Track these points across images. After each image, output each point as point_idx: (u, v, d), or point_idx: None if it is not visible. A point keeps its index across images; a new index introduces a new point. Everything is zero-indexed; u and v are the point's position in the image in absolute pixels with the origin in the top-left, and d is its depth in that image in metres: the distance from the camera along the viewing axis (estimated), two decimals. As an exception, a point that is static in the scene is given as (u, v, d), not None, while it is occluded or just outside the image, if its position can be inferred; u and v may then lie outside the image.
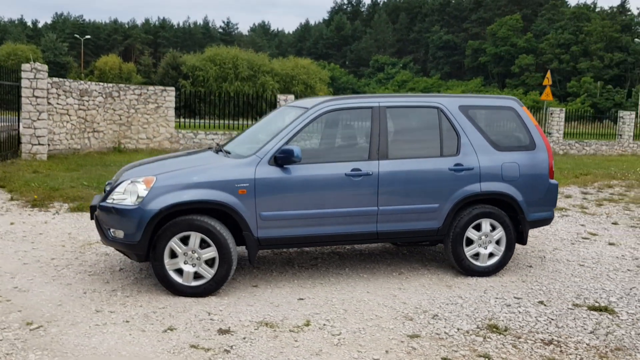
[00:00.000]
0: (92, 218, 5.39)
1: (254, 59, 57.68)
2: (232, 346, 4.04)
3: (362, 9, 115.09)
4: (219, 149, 5.88)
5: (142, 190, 4.97)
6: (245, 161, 5.15)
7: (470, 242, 5.73)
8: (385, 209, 5.41)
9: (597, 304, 5.04)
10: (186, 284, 5.02)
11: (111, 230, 5.06)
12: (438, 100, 5.81)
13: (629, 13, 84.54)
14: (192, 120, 19.60)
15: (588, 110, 42.80)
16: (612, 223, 8.76)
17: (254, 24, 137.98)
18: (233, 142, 6.25)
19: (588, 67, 73.52)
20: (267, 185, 5.11)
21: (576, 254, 6.85)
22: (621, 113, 25.00)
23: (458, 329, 4.42)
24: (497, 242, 5.80)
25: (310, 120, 5.33)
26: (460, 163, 5.62)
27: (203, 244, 5.00)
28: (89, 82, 15.67)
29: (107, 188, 5.45)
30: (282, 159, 5.08)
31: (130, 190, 5.01)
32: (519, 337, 4.30)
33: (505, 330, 4.41)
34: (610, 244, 7.40)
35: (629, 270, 6.20)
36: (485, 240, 5.76)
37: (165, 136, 17.28)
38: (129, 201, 4.98)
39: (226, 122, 19.94)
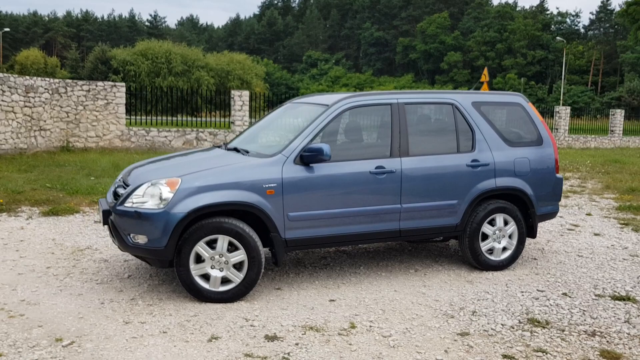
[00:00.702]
0: (104, 223, 5.04)
1: (188, 54, 56.36)
2: (288, 353, 3.88)
3: (294, 5, 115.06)
4: (231, 148, 5.67)
5: (166, 192, 4.69)
6: (271, 160, 4.97)
7: (485, 237, 5.79)
8: (408, 207, 5.38)
9: (617, 294, 5.22)
10: (213, 289, 4.80)
11: (131, 235, 4.75)
12: (452, 96, 5.84)
13: (548, 12, 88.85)
14: (143, 117, 18.86)
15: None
16: (587, 214, 9.14)
17: (181, 18, 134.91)
18: (239, 140, 6.04)
19: (512, 64, 76.73)
20: (295, 185, 4.95)
21: (570, 245, 7.08)
22: (557, 108, 26.11)
23: (502, 325, 4.45)
24: (510, 237, 5.89)
25: (333, 118, 5.21)
26: (476, 159, 5.67)
27: (230, 247, 4.79)
28: (35, 78, 14.75)
29: (118, 191, 5.12)
30: (310, 157, 4.93)
31: (152, 193, 4.73)
32: (563, 330, 4.38)
33: (547, 324, 4.48)
34: (596, 234, 7.70)
35: (624, 259, 6.46)
36: (499, 234, 5.84)
37: (116, 134, 16.56)
38: (152, 204, 4.69)
39: (178, 118, 19.36)
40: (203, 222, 4.71)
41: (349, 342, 4.08)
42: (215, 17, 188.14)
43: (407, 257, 6.32)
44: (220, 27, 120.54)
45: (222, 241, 4.76)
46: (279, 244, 4.94)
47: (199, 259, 4.78)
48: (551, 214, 6.20)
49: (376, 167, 5.25)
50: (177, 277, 4.79)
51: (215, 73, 57.66)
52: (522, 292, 5.23)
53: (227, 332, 4.22)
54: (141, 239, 4.71)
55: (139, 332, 4.17)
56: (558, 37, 71.33)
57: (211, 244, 4.77)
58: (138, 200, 4.77)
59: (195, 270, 4.76)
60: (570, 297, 5.14)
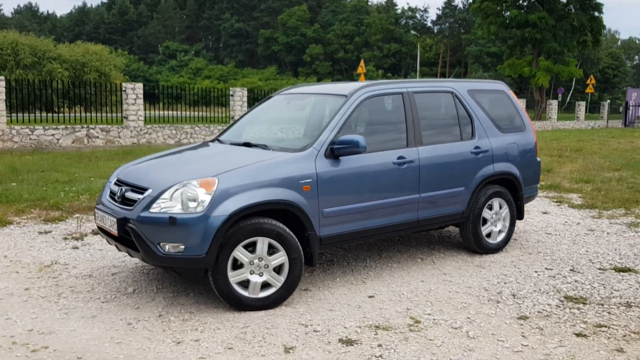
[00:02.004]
0: (120, 233, 4.42)
1: (37, 45, 51.13)
2: (380, 356, 3.69)
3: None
4: (239, 143, 5.27)
5: (202, 194, 4.22)
6: (303, 155, 4.67)
7: (484, 221, 5.96)
8: (425, 196, 5.37)
9: (617, 266, 5.63)
10: (253, 296, 4.43)
11: (161, 244, 4.22)
12: (450, 84, 5.91)
13: (397, 8, 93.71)
14: (25, 115, 16.92)
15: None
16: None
17: (18, 6, 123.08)
18: (237, 134, 5.66)
19: (370, 56, 79.86)
20: (328, 180, 4.72)
21: (531, 224, 7.52)
22: None
23: (549, 305, 4.60)
24: (503, 220, 6.12)
25: (354, 108, 5.03)
26: (478, 146, 5.80)
27: (269, 250, 4.45)
28: None
29: (129, 196, 4.52)
30: (343, 149, 4.72)
31: (186, 196, 4.23)
32: (602, 305, 4.64)
33: (585, 300, 4.72)
34: (544, 212, 8.27)
35: (586, 234, 6.99)
36: (495, 218, 6.05)
37: (-6, 133, 14.71)
38: (186, 208, 4.20)
39: (62, 115, 17.65)
40: (241, 224, 4.32)
41: (428, 337, 3.98)
42: (58, 5, 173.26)
43: (403, 247, 6.31)
44: (65, 15, 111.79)
45: (262, 244, 4.40)
46: (315, 243, 4.68)
47: (235, 265, 4.38)
48: (532, 196, 6.54)
49: (398, 158, 5.16)
50: (214, 286, 4.35)
51: (69, 65, 53.17)
52: (535, 272, 5.46)
53: (296, 340, 3.92)
54: (175, 248, 4.20)
55: (203, 352, 3.74)
56: (413, 31, 75.62)
57: (247, 248, 4.39)
58: (167, 204, 4.25)
59: (233, 277, 4.36)
60: (579, 272, 5.45)
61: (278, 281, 4.48)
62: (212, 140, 5.83)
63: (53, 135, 15.58)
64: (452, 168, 5.58)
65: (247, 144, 5.14)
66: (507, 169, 6.02)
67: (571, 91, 69.41)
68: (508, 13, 39.26)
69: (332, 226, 4.79)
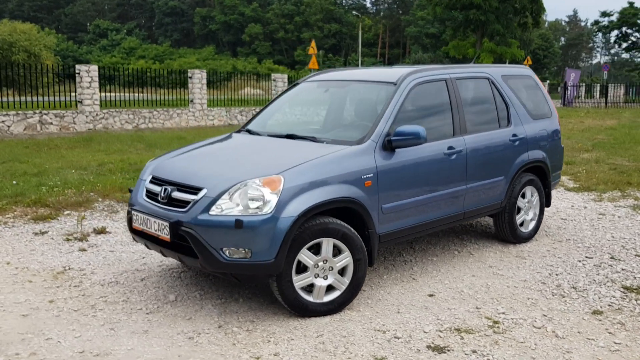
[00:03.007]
0: (173, 238, 3.97)
1: (-44, 22, 47.69)
2: (481, 363, 3.48)
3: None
4: (279, 134, 4.87)
5: (267, 194, 3.84)
6: (362, 148, 4.35)
7: (518, 210, 5.85)
8: (471, 187, 5.18)
9: (652, 252, 5.66)
10: (318, 301, 4.12)
11: (224, 250, 3.82)
12: (485, 70, 5.72)
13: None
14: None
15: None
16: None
17: None
18: (270, 125, 5.27)
19: (310, 36, 79.11)
20: (387, 173, 4.43)
21: (542, 210, 7.49)
22: None
23: (613, 297, 4.52)
24: (534, 208, 6.03)
25: (405, 96, 4.74)
26: (515, 134, 5.65)
27: (334, 251, 4.14)
28: None
29: (176, 195, 4.08)
30: (402, 141, 4.43)
31: (249, 196, 3.84)
32: (663, 293, 4.60)
33: (644, 289, 4.67)
34: (546, 197, 8.28)
35: (598, 218, 7.02)
36: (527, 206, 5.95)
37: (-63, 120, 13.47)
38: (251, 209, 3.82)
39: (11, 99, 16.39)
40: (306, 225, 3.97)
41: (517, 339, 3.79)
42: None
43: (432, 238, 6.11)
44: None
45: (327, 245, 4.08)
46: (375, 241, 4.40)
47: (299, 269, 4.04)
48: (556, 183, 6.48)
49: (448, 148, 4.93)
50: (278, 292, 4.00)
51: (-6, 45, 49.96)
52: (579, 261, 5.39)
53: (382, 349, 3.64)
54: (240, 253, 3.81)
55: (292, 368, 3.40)
56: (354, 12, 75.51)
57: (311, 250, 4.06)
58: (228, 206, 3.85)
59: (298, 281, 4.03)
60: (621, 260, 5.42)
61: (342, 284, 4.18)
62: (239, 131, 5.40)
63: (3, 122, 14.43)
64: (494, 157, 5.41)
65: (291, 136, 4.75)
66: (539, 157, 5.91)
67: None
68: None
69: (390, 222, 4.52)
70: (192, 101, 18.73)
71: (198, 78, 18.68)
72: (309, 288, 4.11)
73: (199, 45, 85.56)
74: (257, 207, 3.82)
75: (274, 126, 5.29)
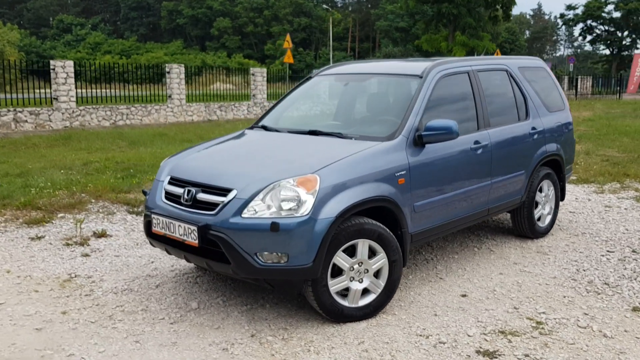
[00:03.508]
0: (201, 243, 3.71)
1: None
2: (537, 368, 3.33)
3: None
4: (301, 131, 4.64)
5: (304, 194, 3.62)
6: (393, 144, 4.15)
7: (536, 205, 5.74)
8: (495, 182, 5.04)
9: (671, 245, 5.61)
10: (353, 305, 3.92)
11: (259, 255, 3.59)
12: (502, 61, 5.58)
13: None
14: None
15: (287, 71, 46.06)
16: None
17: None
18: (276, 120, 5.05)
19: (280, 30, 78.60)
20: (418, 170, 4.25)
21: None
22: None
23: (648, 292, 4.44)
24: (550, 202, 5.93)
25: (432, 90, 4.55)
26: (534, 127, 5.53)
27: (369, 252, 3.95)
28: None
29: (200, 197, 3.82)
30: (433, 136, 4.25)
31: (283, 198, 3.61)
32: (695, 288, 4.53)
33: (677, 284, 4.60)
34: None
35: (606, 211, 6.99)
36: (544, 201, 5.84)
37: None
38: (280, 211, 3.59)
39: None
40: (342, 226, 3.76)
41: (565, 340, 3.66)
42: None
43: (449, 236, 5.96)
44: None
45: (362, 246, 3.88)
46: (407, 241, 4.21)
47: (334, 272, 3.84)
48: (569, 176, 6.39)
49: (474, 142, 4.77)
50: (314, 298, 3.78)
51: (-46, 40, 48.20)
52: (602, 255, 5.31)
53: (430, 355, 3.47)
54: (277, 258, 3.59)
55: (343, 380, 3.20)
56: (324, 6, 75.20)
57: (345, 252, 3.86)
58: (261, 207, 3.61)
59: (333, 286, 3.82)
60: (641, 254, 5.37)
61: (378, 287, 3.99)
62: (252, 128, 5.14)
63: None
64: (516, 151, 5.28)
65: (314, 132, 4.52)
66: (556, 150, 5.81)
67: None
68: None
69: (421, 221, 4.34)
70: (170, 97, 18.27)
71: (176, 73, 18.22)
72: (344, 292, 3.90)
73: (166, 39, 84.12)
74: (292, 209, 3.60)
75: (292, 122, 5.06)
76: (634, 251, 5.43)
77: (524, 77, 5.63)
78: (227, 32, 79.30)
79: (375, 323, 3.93)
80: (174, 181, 4.13)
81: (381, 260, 3.96)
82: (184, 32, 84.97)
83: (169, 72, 18.18)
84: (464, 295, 4.41)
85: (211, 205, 3.76)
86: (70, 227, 6.14)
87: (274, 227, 3.52)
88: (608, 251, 5.43)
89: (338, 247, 3.76)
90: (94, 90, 16.93)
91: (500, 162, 5.07)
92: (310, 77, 5.45)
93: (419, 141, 4.27)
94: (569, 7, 67.28)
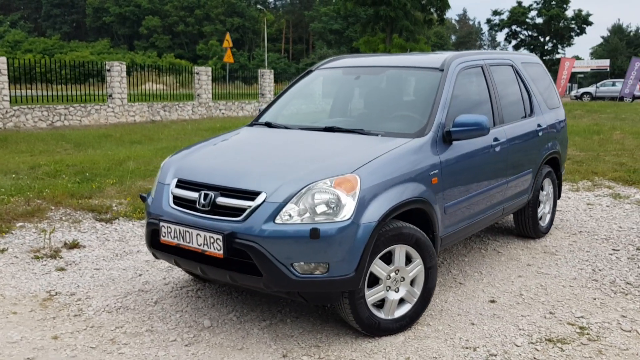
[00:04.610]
0: (228, 253, 3.25)
1: None
2: (604, 379, 3.11)
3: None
4: (316, 127, 4.26)
5: (343, 197, 3.24)
6: (424, 141, 3.84)
7: (539, 204, 5.60)
8: (509, 180, 4.84)
9: (671, 242, 5.61)
10: (389, 317, 3.58)
11: (295, 265, 3.18)
12: (507, 56, 5.40)
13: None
14: None
15: (220, 71, 45.18)
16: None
17: None
18: (278, 116, 4.65)
19: (212, 30, 77.30)
20: (449, 169, 3.97)
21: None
22: (261, 71, 25.08)
23: (673, 291, 4.35)
24: (549, 200, 5.82)
25: (454, 83, 4.28)
26: (539, 123, 5.39)
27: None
28: None
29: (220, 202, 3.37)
30: (463, 133, 3.97)
31: (321, 201, 3.22)
32: None
33: (696, 282, 4.54)
34: (525, 189, 8.20)
35: (591, 206, 7.00)
36: (546, 199, 5.72)
37: None
38: (316, 216, 3.21)
39: None
40: (380, 231, 3.41)
41: (619, 347, 3.46)
42: None
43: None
44: None
45: (399, 253, 3.54)
46: (438, 245, 3.92)
47: (370, 282, 3.49)
48: (563, 174, 6.31)
49: (494, 139, 4.54)
50: (350, 311, 3.41)
51: None
52: (609, 254, 5.22)
53: (489, 371, 3.18)
54: (316, 268, 3.19)
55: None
56: (259, 6, 74.44)
57: (384, 259, 3.52)
58: (295, 212, 3.21)
59: (370, 297, 3.47)
60: (648, 252, 5.32)
61: (414, 296, 3.67)
62: (252, 125, 4.70)
63: None
64: (526, 149, 5.11)
65: (332, 129, 4.14)
66: (556, 148, 5.71)
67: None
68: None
69: (449, 223, 4.06)
70: (111, 96, 17.29)
71: (117, 71, 17.27)
72: (379, 303, 3.56)
73: (91, 38, 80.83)
74: (330, 213, 3.22)
75: (301, 119, 4.66)
76: (638, 249, 5.37)
77: (527, 72, 5.48)
78: (157, 31, 77.16)
79: (413, 336, 3.60)
80: (183, 184, 3.64)
81: (417, 267, 3.64)
82: (110, 31, 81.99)
83: (109, 70, 17.20)
84: (492, 301, 4.16)
85: (236, 211, 3.31)
86: (35, 238, 5.47)
87: (314, 233, 3.12)
88: (614, 250, 5.35)
89: (376, 254, 3.41)
90: (26, 91, 15.74)
91: (514, 160, 4.87)
92: (311, 71, 5.06)
93: (447, 138, 3.98)
94: (495, 13, 69.85)
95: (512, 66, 5.30)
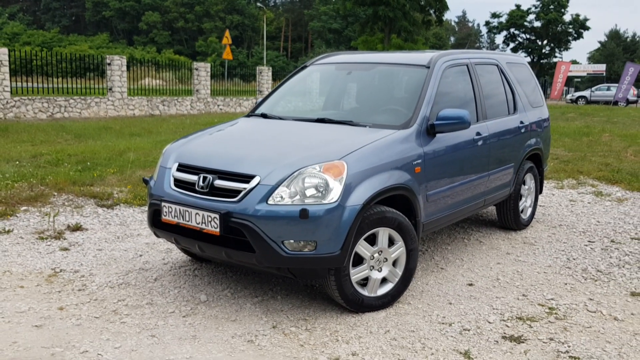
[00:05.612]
0: (224, 231, 3.53)
1: None
2: (566, 352, 3.39)
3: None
4: (308, 119, 4.54)
5: (331, 181, 3.53)
6: (409, 132, 4.13)
7: (520, 197, 5.89)
8: (491, 173, 5.13)
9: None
10: (372, 295, 3.87)
11: (285, 243, 3.46)
12: (493, 56, 5.69)
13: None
14: None
15: (219, 68, 45.43)
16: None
17: None
18: (274, 108, 4.92)
19: (212, 27, 77.40)
20: (432, 159, 4.25)
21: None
22: (259, 68, 25.44)
23: (638, 278, 4.63)
24: (531, 195, 6.11)
25: (439, 80, 4.56)
26: (522, 121, 5.67)
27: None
28: None
29: (220, 184, 3.65)
30: (445, 126, 4.25)
31: (311, 184, 3.51)
32: (680, 274, 4.78)
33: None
34: (512, 186, 8.49)
35: (571, 203, 7.29)
36: (527, 193, 6.01)
37: None
38: (306, 198, 3.49)
39: None
40: (365, 214, 3.70)
41: (582, 324, 3.75)
42: None
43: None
44: None
45: (383, 235, 3.83)
46: (420, 230, 4.21)
47: (353, 261, 3.77)
48: (546, 170, 6.60)
49: (476, 134, 4.83)
50: (335, 287, 3.70)
51: None
52: (585, 245, 5.51)
53: (459, 342, 3.47)
54: (305, 246, 3.47)
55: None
56: (259, 4, 74.58)
57: (368, 240, 3.81)
58: (286, 194, 3.49)
59: (355, 275, 3.75)
60: (621, 243, 5.60)
61: (395, 276, 3.95)
62: (249, 116, 4.98)
63: None
64: (508, 144, 5.40)
65: (323, 120, 4.43)
66: (538, 144, 5.99)
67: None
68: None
69: (431, 210, 4.34)
70: (111, 89, 17.53)
71: (118, 65, 17.51)
72: (363, 282, 3.84)
73: (90, 32, 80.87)
74: (318, 196, 3.50)
75: (294, 110, 4.94)
76: (612, 241, 5.67)
77: (512, 72, 5.77)
78: (157, 26, 77.20)
79: (394, 312, 3.89)
80: (184, 168, 3.92)
81: (400, 249, 3.93)
82: (110, 26, 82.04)
83: (109, 64, 17.44)
84: (470, 285, 4.44)
85: (232, 192, 3.59)
86: (39, 220, 5.74)
87: (304, 213, 3.40)
88: (589, 241, 5.65)
89: (360, 235, 3.69)
90: (26, 83, 15.98)
91: (496, 154, 5.16)
92: (305, 67, 5.34)
93: (430, 130, 4.26)
94: (494, 15, 70.17)
95: (497, 65, 5.58)
